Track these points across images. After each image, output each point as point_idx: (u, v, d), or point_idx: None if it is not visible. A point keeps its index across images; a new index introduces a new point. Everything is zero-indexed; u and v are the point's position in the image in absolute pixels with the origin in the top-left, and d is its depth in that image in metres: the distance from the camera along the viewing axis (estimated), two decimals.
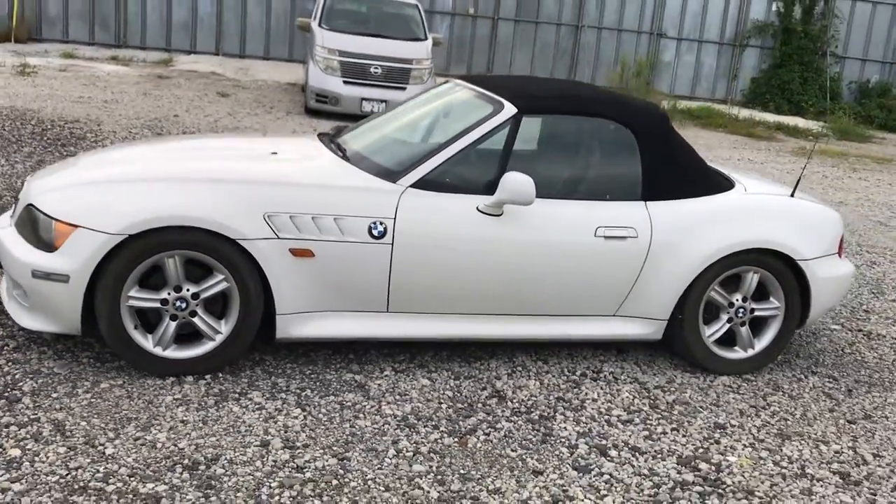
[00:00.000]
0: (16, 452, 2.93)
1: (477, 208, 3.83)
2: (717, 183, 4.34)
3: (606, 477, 3.19)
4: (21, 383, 3.42)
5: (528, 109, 4.04)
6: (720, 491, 3.18)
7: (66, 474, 2.84)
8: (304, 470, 3.03)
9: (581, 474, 3.20)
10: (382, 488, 2.97)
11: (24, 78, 12.47)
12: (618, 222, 3.99)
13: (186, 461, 2.99)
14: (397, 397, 3.66)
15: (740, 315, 4.26)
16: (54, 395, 3.36)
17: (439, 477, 3.07)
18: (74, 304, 3.46)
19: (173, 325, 3.59)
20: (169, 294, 3.55)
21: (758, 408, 3.95)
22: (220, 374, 3.68)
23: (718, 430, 3.67)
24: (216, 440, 3.15)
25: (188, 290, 3.57)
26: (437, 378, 3.88)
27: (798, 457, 3.52)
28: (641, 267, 4.05)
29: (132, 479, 2.86)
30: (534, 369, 4.07)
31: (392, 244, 3.72)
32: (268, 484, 2.92)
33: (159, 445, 3.08)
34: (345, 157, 4.08)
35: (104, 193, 3.57)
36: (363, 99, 11.57)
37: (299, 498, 2.85)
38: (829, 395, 4.20)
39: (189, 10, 18.32)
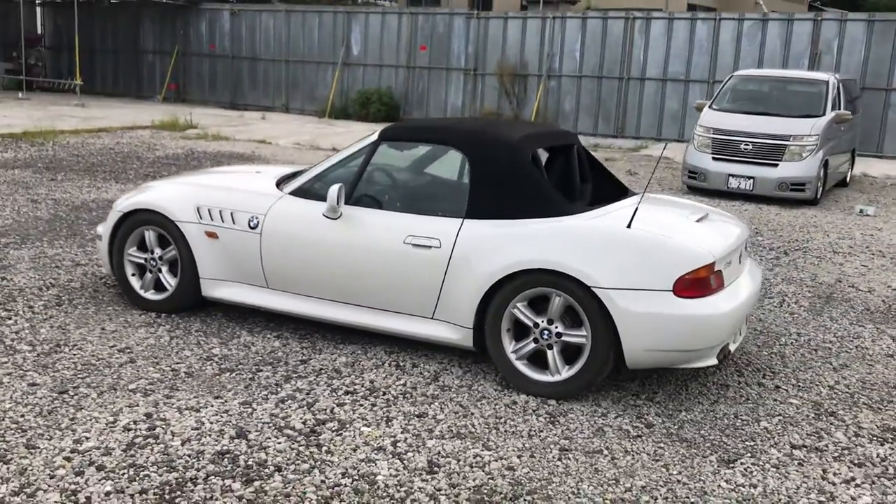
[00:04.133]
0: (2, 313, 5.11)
1: (322, 213, 4.85)
2: (552, 208, 4.45)
3: (243, 410, 4.01)
4: (76, 300, 5.63)
5: (386, 137, 4.89)
6: (297, 438, 3.75)
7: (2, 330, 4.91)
8: (99, 361, 4.57)
9: (242, 407, 4.07)
10: (125, 380, 4.34)
11: None
12: (425, 233, 4.55)
13: (59, 347, 4.78)
14: (239, 347, 4.87)
15: (545, 337, 4.32)
16: (75, 304, 5.48)
17: (154, 385, 4.30)
18: (105, 255, 5.57)
19: (149, 276, 5.44)
20: (148, 255, 5.42)
21: (484, 416, 4.07)
22: (178, 315, 5.35)
23: (407, 417, 4.02)
24: (95, 341, 4.88)
25: (156, 253, 5.39)
26: (289, 343, 4.95)
27: (422, 447, 3.73)
28: (444, 275, 4.50)
29: (24, 344, 4.78)
30: (370, 355, 4.81)
31: (261, 234, 5.00)
32: (73, 368, 4.53)
33: (61, 335, 4.93)
34: (282, 178, 5.42)
35: (139, 190, 5.63)
36: (730, 175, 11.67)
37: (74, 376, 4.42)
38: (600, 431, 3.99)
39: (679, 101, 19.70)
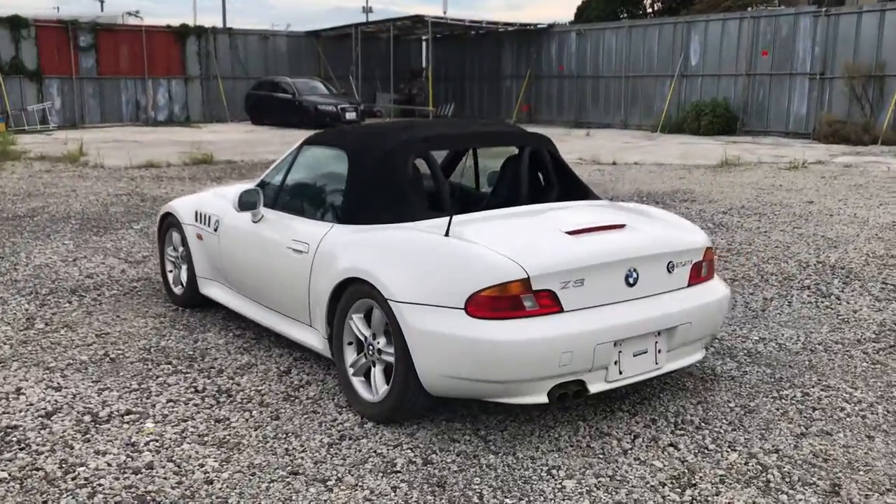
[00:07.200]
0: (75, 303, 6.02)
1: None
2: (408, 214, 4.05)
3: (89, 395, 4.30)
4: (143, 292, 6.42)
5: (308, 142, 4.84)
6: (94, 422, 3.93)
7: (69, 317, 5.82)
8: (67, 342, 5.20)
9: (96, 392, 4.38)
10: (56, 359, 4.93)
11: (789, 172, 13.86)
12: (301, 238, 4.42)
13: (61, 329, 5.50)
14: (188, 342, 5.16)
15: (370, 353, 3.94)
16: (136, 295, 6.26)
17: (70, 365, 4.80)
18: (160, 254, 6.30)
19: (176, 272, 6.01)
20: (173, 252, 6.01)
21: (278, 430, 3.83)
22: (193, 310, 5.84)
23: (207, 420, 3.97)
24: (95, 326, 5.55)
25: (179, 251, 5.94)
26: (236, 342, 5.12)
27: (167, 449, 3.67)
28: (309, 281, 4.34)
29: (42, 323, 5.63)
30: (281, 360, 4.80)
31: (218, 236, 5.27)
32: (39, 345, 5.24)
33: (82, 318, 5.69)
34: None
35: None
36: None
37: (28, 351, 5.13)
38: (367, 460, 3.55)
39: None
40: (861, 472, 3.41)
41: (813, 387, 4.33)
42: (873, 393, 4.25)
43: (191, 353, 4.95)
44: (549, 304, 3.51)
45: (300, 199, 4.78)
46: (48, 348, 5.05)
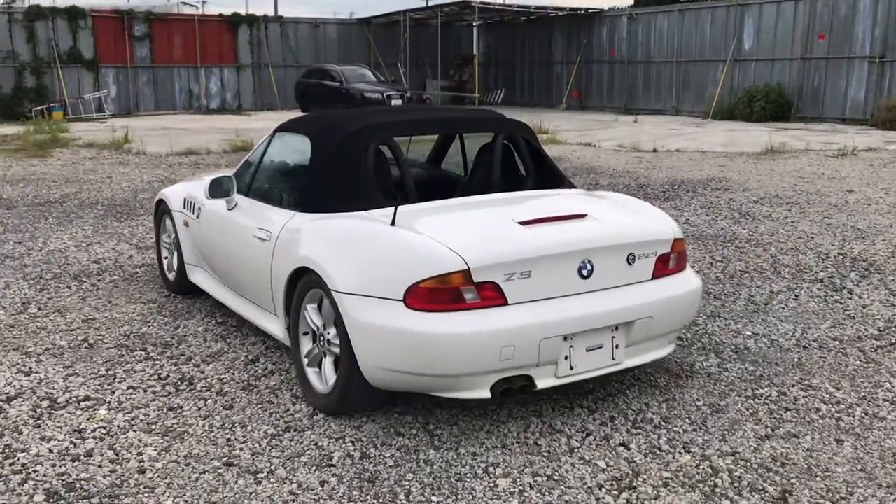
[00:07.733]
0: (77, 287, 6.11)
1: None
2: (367, 202, 3.96)
3: (54, 380, 4.32)
4: (143, 278, 6.47)
5: (280, 129, 4.78)
6: (54, 408, 3.95)
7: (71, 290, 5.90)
8: (54, 326, 5.27)
9: (63, 378, 4.41)
10: (36, 344, 4.99)
11: (835, 160, 13.36)
12: (265, 225, 4.36)
13: (51, 313, 5.60)
14: (169, 328, 5.18)
15: (321, 344, 3.87)
16: (134, 281, 6.31)
17: (48, 349, 4.85)
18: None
19: (170, 258, 6.04)
20: (167, 239, 6.03)
21: (225, 421, 3.80)
22: (186, 297, 5.86)
23: (160, 408, 3.95)
24: (85, 311, 5.61)
25: (171, 237, 5.96)
26: (213, 330, 5.11)
27: (111, 436, 3.66)
28: (270, 269, 4.28)
29: (35, 308, 5.72)
30: (252, 349, 4.77)
31: (199, 222, 5.25)
32: (25, 330, 5.32)
33: (74, 303, 5.76)
34: None
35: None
36: None
37: (12, 336, 5.20)
38: (306, 454, 3.48)
39: None
40: (818, 479, 3.21)
41: (792, 386, 4.10)
42: (856, 394, 4.01)
43: (168, 339, 4.95)
44: (492, 296, 3.38)
45: (268, 187, 4.73)
46: (33, 333, 5.10)
